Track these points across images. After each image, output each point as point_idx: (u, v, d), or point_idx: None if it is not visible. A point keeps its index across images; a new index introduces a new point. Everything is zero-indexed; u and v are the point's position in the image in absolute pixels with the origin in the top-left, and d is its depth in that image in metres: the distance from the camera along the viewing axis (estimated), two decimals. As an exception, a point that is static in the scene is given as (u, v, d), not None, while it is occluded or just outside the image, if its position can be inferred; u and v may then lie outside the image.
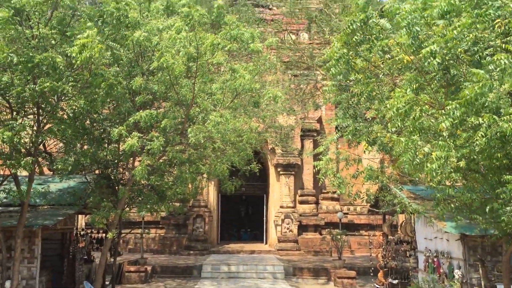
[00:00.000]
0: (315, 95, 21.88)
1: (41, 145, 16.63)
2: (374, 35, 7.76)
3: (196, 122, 12.84)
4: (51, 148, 20.30)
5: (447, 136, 6.46)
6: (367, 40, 7.91)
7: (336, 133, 12.15)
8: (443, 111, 6.49)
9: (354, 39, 7.85)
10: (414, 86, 7.17)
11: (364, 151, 11.15)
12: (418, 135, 6.66)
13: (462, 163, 6.26)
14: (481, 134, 5.90)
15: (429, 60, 6.82)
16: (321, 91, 22.07)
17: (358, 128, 10.11)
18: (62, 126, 13.02)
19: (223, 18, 12.37)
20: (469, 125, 6.33)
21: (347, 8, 19.22)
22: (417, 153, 6.51)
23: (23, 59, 11.09)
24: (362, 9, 7.76)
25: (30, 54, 11.14)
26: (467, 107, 6.14)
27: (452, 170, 6.51)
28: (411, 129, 6.73)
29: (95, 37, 10.17)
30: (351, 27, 7.82)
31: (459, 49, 7.17)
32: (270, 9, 25.86)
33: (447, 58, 7.01)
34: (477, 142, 6.00)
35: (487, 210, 7.36)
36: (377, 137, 9.01)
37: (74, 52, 10.21)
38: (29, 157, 12.41)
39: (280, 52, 20.48)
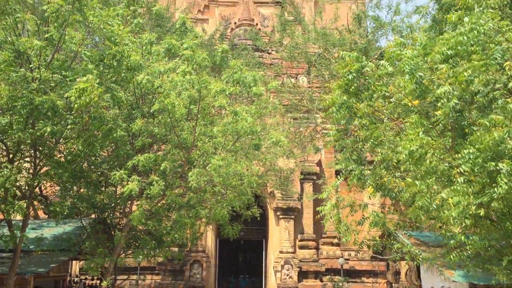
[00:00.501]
0: (314, 138, 21.74)
1: (37, 188, 16.28)
2: (373, 83, 7.64)
3: (196, 165, 12.59)
4: (47, 191, 19.93)
5: (462, 182, 6.20)
6: (366, 88, 7.80)
7: (339, 178, 11.88)
8: (457, 155, 6.27)
9: (351, 89, 7.75)
10: (420, 130, 6.97)
11: (370, 197, 10.84)
12: (433, 179, 6.40)
13: (482, 212, 5.98)
14: (504, 181, 5.65)
15: (442, 101, 6.64)
16: (320, 134, 21.96)
17: (363, 172, 9.84)
18: (60, 170, 12.75)
19: (227, 62, 12.35)
20: (487, 171, 6.09)
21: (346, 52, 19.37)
22: (432, 198, 6.23)
23: (22, 102, 10.96)
24: (356, 60, 7.70)
25: (30, 97, 11.02)
26: (486, 153, 5.92)
27: (468, 217, 6.22)
28: (423, 173, 6.47)
29: (94, 81, 10.07)
30: (347, 78, 7.73)
31: (470, 90, 7.03)
32: (269, 53, 26.13)
33: (460, 101, 6.85)
34: (498, 189, 5.75)
35: (504, 262, 7.01)
36: (384, 182, 8.74)
37: (73, 96, 10.11)
38: (23, 201, 12.07)
39: (280, 95, 20.48)
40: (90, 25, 12.19)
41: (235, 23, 29.21)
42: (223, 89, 11.24)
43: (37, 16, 11.77)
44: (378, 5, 19.36)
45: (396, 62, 7.69)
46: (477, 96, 7.13)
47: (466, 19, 7.55)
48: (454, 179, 6.44)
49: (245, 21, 28.48)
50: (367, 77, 7.76)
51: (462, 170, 6.00)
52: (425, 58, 7.15)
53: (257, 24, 29.31)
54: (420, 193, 6.44)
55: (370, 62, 7.90)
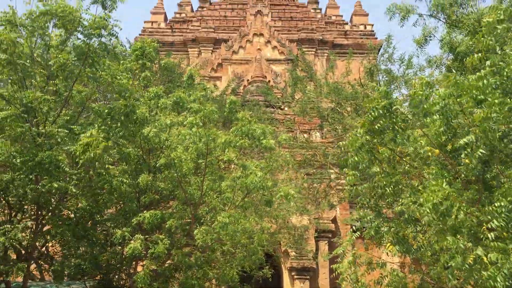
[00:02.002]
0: (329, 194, 21.03)
1: (44, 247, 15.73)
2: (399, 123, 7.14)
3: (204, 222, 11.99)
4: (53, 249, 19.31)
5: (493, 238, 5.53)
6: (390, 128, 7.29)
7: (354, 232, 11.13)
8: (487, 209, 5.63)
9: (377, 126, 7.24)
10: (443, 181, 6.37)
11: (387, 253, 10.04)
12: (464, 235, 5.73)
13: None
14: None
15: (466, 151, 6.09)
16: (335, 190, 21.25)
17: (381, 225, 9.12)
18: (62, 229, 12.25)
19: (235, 114, 12.03)
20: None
21: (359, 106, 19.07)
22: (464, 257, 5.54)
23: (25, 158, 10.69)
24: (385, 95, 7.24)
25: (33, 152, 10.75)
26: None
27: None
28: (449, 228, 5.81)
29: (99, 135, 9.79)
30: (373, 114, 7.24)
31: (495, 138, 6.49)
32: (281, 109, 25.99)
33: (484, 148, 6.30)
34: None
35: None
36: (404, 236, 8.02)
37: (78, 151, 9.85)
38: (23, 263, 11.52)
39: (292, 150, 20.07)
40: (99, 80, 12.11)
41: (248, 80, 29.38)
42: (230, 140, 10.83)
43: (46, 71, 11.73)
44: (390, 59, 19.24)
45: (422, 104, 7.20)
46: (502, 145, 6.56)
47: (487, 62, 7.12)
48: (483, 236, 5.76)
49: (258, 78, 28.62)
50: (393, 116, 7.27)
51: (493, 226, 5.34)
52: (458, 100, 6.65)
53: (269, 81, 29.44)
54: (448, 250, 5.76)
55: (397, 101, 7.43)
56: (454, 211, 5.74)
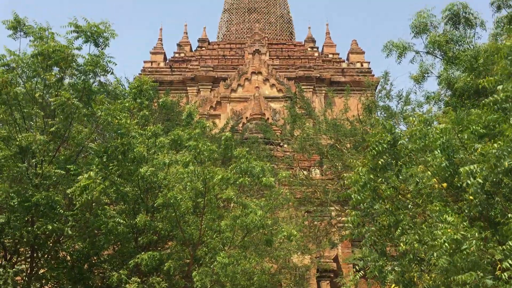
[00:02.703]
0: (330, 232, 20.66)
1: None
2: (403, 159, 7.02)
3: (203, 263, 11.67)
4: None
5: (507, 279, 5.31)
6: (394, 164, 7.16)
7: (357, 271, 10.80)
8: (499, 247, 5.44)
9: (380, 161, 7.11)
10: (457, 219, 6.19)
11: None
12: (480, 273, 5.50)
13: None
14: None
15: (467, 181, 5.94)
16: (336, 228, 20.91)
17: (385, 265, 8.84)
18: (57, 272, 11.92)
19: (232, 150, 11.91)
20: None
21: (358, 142, 18.99)
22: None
23: (20, 199, 10.53)
24: (389, 130, 7.14)
25: (30, 193, 10.59)
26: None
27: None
28: (463, 266, 5.60)
29: (97, 178, 9.67)
30: (377, 148, 7.12)
31: (500, 170, 6.33)
32: (280, 146, 25.93)
33: (488, 181, 6.15)
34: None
35: None
36: (410, 277, 7.76)
37: (75, 193, 9.71)
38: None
39: (292, 188, 19.84)
40: (97, 119, 12.06)
41: (246, 117, 29.45)
42: (229, 178, 10.67)
43: (44, 110, 11.70)
44: (388, 96, 19.30)
45: (422, 140, 7.10)
46: (509, 179, 6.41)
47: (500, 86, 7.00)
48: (498, 276, 5.55)
49: (256, 116, 28.71)
50: (397, 151, 7.14)
51: (506, 266, 5.14)
52: (459, 135, 6.55)
53: (268, 118, 29.52)
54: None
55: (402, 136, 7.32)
56: (472, 249, 5.53)
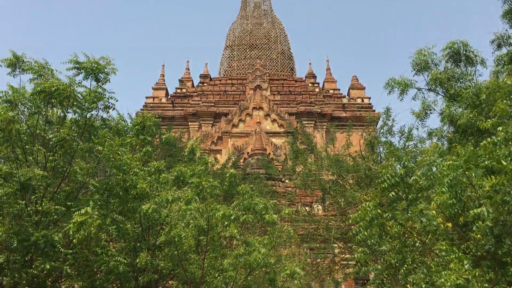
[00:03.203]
0: (333, 270, 20.27)
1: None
2: (413, 194, 6.93)
3: (205, 303, 11.41)
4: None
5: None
6: (403, 199, 7.07)
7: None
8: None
9: (391, 194, 7.00)
10: (465, 260, 6.07)
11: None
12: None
13: None
14: None
15: (478, 224, 5.85)
16: (339, 265, 20.54)
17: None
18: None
19: (236, 187, 11.81)
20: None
21: (361, 178, 18.89)
22: None
23: (19, 238, 10.36)
24: (402, 163, 7.06)
25: (28, 232, 10.42)
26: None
27: None
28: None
29: (93, 213, 9.53)
30: (388, 182, 7.03)
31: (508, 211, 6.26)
32: (282, 181, 25.81)
33: (497, 223, 6.06)
34: None
35: None
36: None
37: (71, 230, 9.54)
38: None
39: (294, 224, 19.61)
40: (98, 155, 12.01)
41: (248, 153, 29.46)
42: (231, 214, 10.54)
43: (45, 146, 11.67)
44: (390, 131, 19.32)
45: (432, 175, 7.02)
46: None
47: (500, 128, 6.98)
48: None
49: (258, 151, 28.71)
50: (408, 186, 7.05)
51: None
52: (467, 173, 6.48)
53: (269, 153, 29.52)
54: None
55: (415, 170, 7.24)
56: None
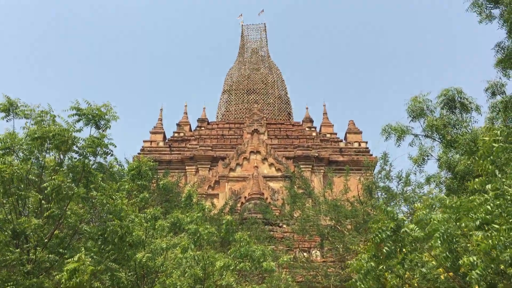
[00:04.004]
0: (333, 318, 19.72)
1: None
2: (407, 246, 6.86)
3: None
4: None
5: None
6: (397, 252, 6.98)
7: None
8: None
9: (385, 249, 6.93)
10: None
11: None
12: None
13: None
14: None
15: (471, 274, 5.77)
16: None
17: None
18: None
19: (233, 235, 11.65)
20: None
21: (359, 224, 18.71)
22: None
23: (11, 287, 10.10)
24: (392, 217, 7.03)
25: (19, 281, 10.17)
26: None
27: None
28: None
29: (86, 260, 9.33)
30: (380, 236, 6.96)
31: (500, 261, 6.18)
32: (280, 226, 25.51)
33: (490, 271, 5.97)
34: None
35: None
36: None
37: (63, 278, 9.31)
38: None
39: (293, 271, 19.25)
40: (93, 200, 11.89)
41: (245, 197, 29.24)
42: (229, 264, 10.34)
43: (40, 193, 11.56)
44: (388, 176, 19.31)
45: (426, 228, 7.00)
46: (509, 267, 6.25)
47: (488, 186, 7.12)
48: None
49: (255, 195, 28.51)
50: (400, 238, 6.99)
51: None
52: (457, 223, 6.47)
53: (267, 198, 29.31)
54: None
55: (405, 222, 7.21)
56: None
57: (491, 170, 7.43)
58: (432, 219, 6.81)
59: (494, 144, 7.89)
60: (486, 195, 6.84)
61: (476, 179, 7.32)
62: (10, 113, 11.79)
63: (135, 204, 12.51)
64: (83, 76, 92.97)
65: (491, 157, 7.77)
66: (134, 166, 13.92)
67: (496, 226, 6.44)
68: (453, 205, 7.01)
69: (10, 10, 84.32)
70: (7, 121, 11.83)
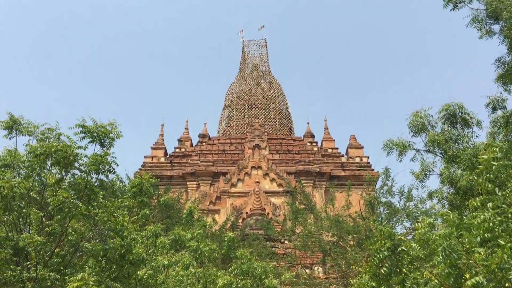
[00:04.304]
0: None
1: None
2: (405, 266, 6.80)
3: None
4: None
5: None
6: (397, 272, 6.92)
7: None
8: None
9: (383, 270, 6.87)
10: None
11: None
12: None
13: None
14: None
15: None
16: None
17: None
18: None
19: (235, 252, 11.57)
20: None
21: (362, 240, 18.58)
22: None
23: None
24: (388, 236, 6.99)
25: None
26: None
27: None
28: None
29: (89, 279, 9.26)
30: (378, 256, 6.91)
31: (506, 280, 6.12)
32: (282, 242, 25.35)
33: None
34: None
35: None
36: None
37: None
38: None
39: (295, 288, 19.09)
40: (95, 217, 11.84)
41: (247, 213, 29.12)
42: (231, 282, 10.25)
43: (42, 210, 11.53)
44: (390, 192, 19.23)
45: (427, 245, 6.95)
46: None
47: (489, 204, 7.08)
48: None
49: (257, 211, 28.41)
50: (399, 258, 6.93)
51: None
52: (460, 240, 6.42)
53: (268, 213, 29.19)
54: None
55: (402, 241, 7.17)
56: None
57: (490, 188, 7.42)
58: (434, 235, 6.76)
59: (493, 163, 7.90)
60: (486, 213, 6.80)
61: (477, 198, 7.30)
62: (13, 130, 11.81)
63: (136, 222, 12.44)
64: (83, 78, 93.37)
65: (491, 175, 7.77)
66: (136, 183, 13.88)
67: (502, 242, 6.39)
68: (456, 221, 6.98)
69: (10, 10, 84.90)
70: (10, 138, 11.85)
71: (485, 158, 8.08)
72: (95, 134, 11.65)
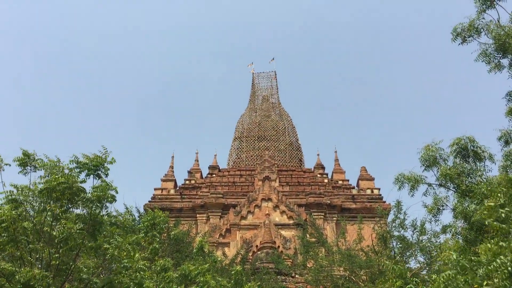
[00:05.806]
0: None
1: None
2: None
3: None
4: None
5: None
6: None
7: None
8: None
9: None
10: None
11: None
12: None
13: None
14: None
15: None
16: None
17: None
18: None
19: (242, 285, 11.42)
20: None
21: (374, 275, 18.24)
22: None
23: None
24: (400, 275, 6.88)
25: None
26: None
27: None
28: None
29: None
30: None
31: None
32: (293, 277, 24.94)
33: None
34: None
35: None
36: None
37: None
38: None
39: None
40: (104, 253, 11.78)
41: (257, 246, 28.80)
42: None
43: (49, 244, 11.49)
44: (402, 225, 18.96)
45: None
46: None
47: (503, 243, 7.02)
48: None
49: (267, 244, 28.10)
50: None
51: None
52: (463, 277, 6.34)
53: (279, 246, 28.84)
54: None
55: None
56: None
57: (505, 230, 7.35)
58: (439, 279, 6.70)
59: (501, 210, 7.91)
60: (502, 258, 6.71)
61: (491, 240, 7.25)
62: (27, 165, 11.88)
63: (145, 258, 12.35)
64: (94, 123, 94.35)
65: (498, 223, 7.76)
66: (148, 218, 13.84)
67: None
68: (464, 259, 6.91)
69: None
70: (25, 174, 11.91)
71: (491, 205, 8.09)
72: (91, 166, 11.71)
